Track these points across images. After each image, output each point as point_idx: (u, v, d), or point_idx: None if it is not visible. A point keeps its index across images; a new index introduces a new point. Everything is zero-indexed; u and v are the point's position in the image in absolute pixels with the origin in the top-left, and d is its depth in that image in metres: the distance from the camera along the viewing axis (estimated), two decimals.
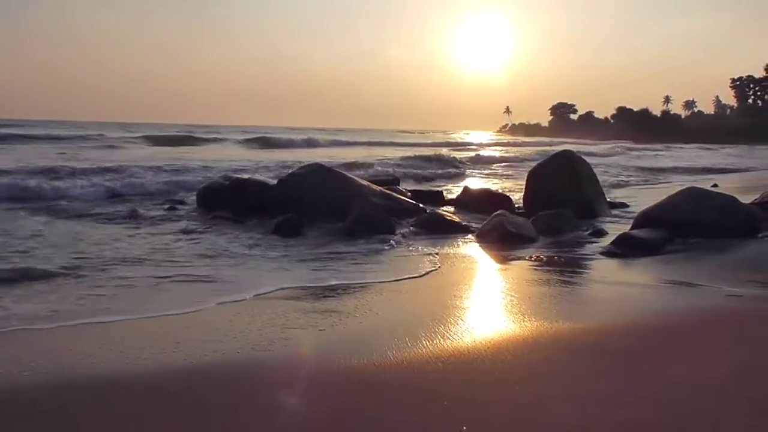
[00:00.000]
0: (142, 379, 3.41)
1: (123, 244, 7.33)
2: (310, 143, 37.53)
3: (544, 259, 6.99)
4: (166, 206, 10.18)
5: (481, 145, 49.43)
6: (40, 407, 3.10)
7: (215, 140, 36.20)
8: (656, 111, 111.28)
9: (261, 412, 3.03)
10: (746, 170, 25.15)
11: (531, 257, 7.06)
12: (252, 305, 4.91)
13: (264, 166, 18.37)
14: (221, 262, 6.53)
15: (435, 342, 3.96)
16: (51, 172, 13.18)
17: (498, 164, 27.06)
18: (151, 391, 3.25)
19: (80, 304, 4.84)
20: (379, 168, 19.52)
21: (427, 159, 23.57)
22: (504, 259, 7.02)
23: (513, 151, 37.54)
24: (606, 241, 7.80)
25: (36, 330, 4.26)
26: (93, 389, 3.28)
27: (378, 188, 10.19)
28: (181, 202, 10.72)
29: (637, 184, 19.26)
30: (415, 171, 19.88)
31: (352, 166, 18.85)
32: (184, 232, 8.14)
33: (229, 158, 21.36)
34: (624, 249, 7.21)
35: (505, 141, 63.05)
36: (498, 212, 8.49)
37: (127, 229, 8.30)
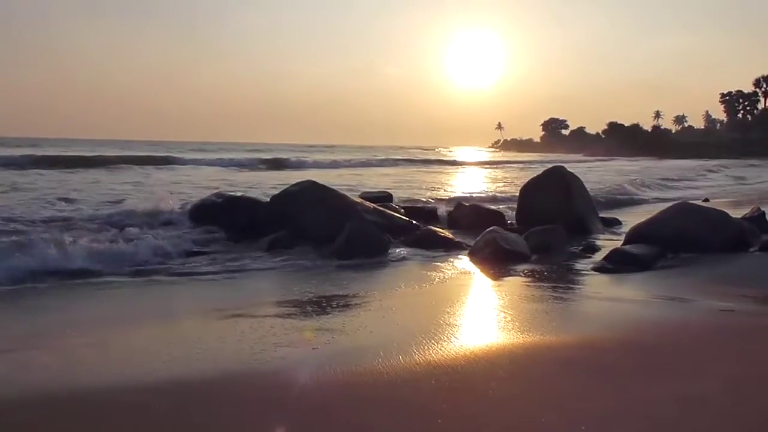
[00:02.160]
0: (129, 394, 3.40)
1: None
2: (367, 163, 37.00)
3: (537, 275, 7.01)
4: (159, 223, 10.11)
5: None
6: (18, 423, 3.08)
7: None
8: (647, 126, 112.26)
9: (253, 430, 3.02)
10: None
11: (524, 273, 7.08)
12: (243, 323, 4.88)
13: None
14: (214, 278, 6.51)
15: (429, 359, 3.95)
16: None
17: None
18: (139, 408, 3.24)
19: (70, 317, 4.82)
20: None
21: None
22: (497, 276, 7.03)
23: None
24: (598, 257, 7.83)
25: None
26: (79, 404, 3.26)
27: (371, 205, 10.19)
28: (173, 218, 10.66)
29: None
30: None
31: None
32: (175, 248, 8.11)
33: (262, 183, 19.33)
34: (616, 264, 7.24)
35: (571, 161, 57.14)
36: (491, 228, 8.51)
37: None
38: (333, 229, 8.49)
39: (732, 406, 3.20)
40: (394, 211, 10.67)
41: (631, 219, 10.85)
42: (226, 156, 38.40)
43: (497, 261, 7.62)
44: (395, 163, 41.23)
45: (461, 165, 44.31)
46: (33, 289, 5.94)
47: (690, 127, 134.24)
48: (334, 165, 36.38)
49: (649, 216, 8.99)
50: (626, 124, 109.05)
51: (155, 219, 9.85)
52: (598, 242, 9.05)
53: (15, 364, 4.02)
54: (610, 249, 7.85)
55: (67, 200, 12.24)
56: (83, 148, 48.14)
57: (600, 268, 7.22)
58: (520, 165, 43.00)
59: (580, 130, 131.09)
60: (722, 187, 26.12)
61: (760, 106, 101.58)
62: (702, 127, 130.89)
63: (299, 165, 34.77)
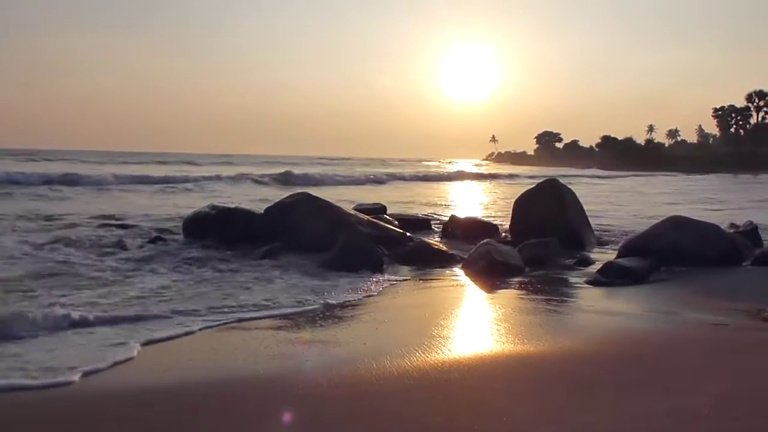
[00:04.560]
0: (118, 405, 3.37)
1: (104, 273, 7.26)
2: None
3: (531, 287, 7.01)
4: (153, 236, 10.09)
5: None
6: None
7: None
8: (640, 140, 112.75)
9: None
10: None
11: (518, 286, 7.08)
12: (236, 335, 4.87)
13: None
14: (206, 291, 6.48)
15: (423, 372, 3.95)
16: None
17: None
18: (130, 418, 3.21)
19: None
20: None
21: None
22: (491, 288, 7.02)
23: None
24: (592, 270, 7.83)
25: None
26: (66, 416, 3.24)
27: (365, 217, 10.18)
28: (169, 232, 10.64)
29: None
30: None
31: None
32: (168, 260, 8.08)
33: None
34: (610, 278, 7.25)
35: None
36: (485, 241, 8.51)
37: (111, 259, 8.22)
38: (327, 240, 8.48)
39: (725, 421, 3.20)
40: (388, 223, 10.67)
41: None
42: (246, 170, 37.37)
43: (491, 273, 7.61)
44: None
45: (470, 179, 44.52)
46: None
47: (683, 141, 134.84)
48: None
49: None
50: (619, 138, 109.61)
51: None
52: (592, 255, 9.06)
53: None
54: (604, 262, 7.86)
55: None
56: (93, 159, 48.50)
57: (594, 281, 7.23)
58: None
59: (574, 144, 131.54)
60: None
61: (753, 120, 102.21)
62: (695, 141, 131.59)
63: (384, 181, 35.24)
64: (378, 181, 34.95)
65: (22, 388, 3.63)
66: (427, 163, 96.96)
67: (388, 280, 7.29)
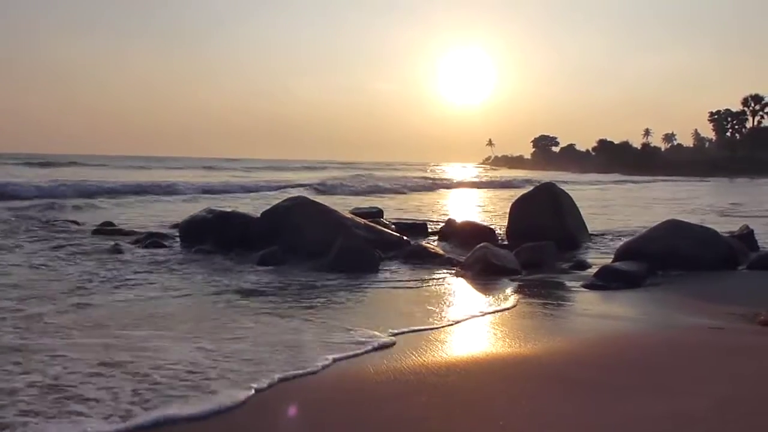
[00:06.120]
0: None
1: (104, 280, 7.25)
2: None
3: (527, 291, 7.01)
4: (148, 241, 10.06)
5: None
6: None
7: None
8: (636, 143, 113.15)
9: None
10: None
11: (514, 290, 7.08)
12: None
13: None
14: (202, 298, 6.47)
15: (420, 375, 3.95)
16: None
17: None
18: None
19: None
20: None
21: None
22: (487, 292, 7.02)
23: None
24: (588, 273, 7.84)
25: None
26: None
27: (362, 221, 10.18)
28: (164, 236, 10.62)
29: None
30: None
31: None
32: (164, 266, 8.07)
33: None
34: (606, 281, 7.25)
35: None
36: (481, 245, 8.51)
37: (109, 263, 8.22)
38: (324, 244, 8.49)
39: (723, 424, 3.20)
40: (385, 227, 10.68)
41: None
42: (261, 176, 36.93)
43: (488, 277, 7.62)
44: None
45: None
46: None
47: (679, 145, 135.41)
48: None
49: None
50: (616, 142, 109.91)
51: None
52: (589, 259, 9.06)
53: None
54: (600, 266, 7.86)
55: None
56: (93, 162, 48.42)
57: (590, 285, 7.22)
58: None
59: (571, 147, 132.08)
60: None
61: (749, 124, 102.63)
62: (691, 145, 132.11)
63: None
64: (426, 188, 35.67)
65: None
66: (435, 167, 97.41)
67: (385, 284, 7.29)
